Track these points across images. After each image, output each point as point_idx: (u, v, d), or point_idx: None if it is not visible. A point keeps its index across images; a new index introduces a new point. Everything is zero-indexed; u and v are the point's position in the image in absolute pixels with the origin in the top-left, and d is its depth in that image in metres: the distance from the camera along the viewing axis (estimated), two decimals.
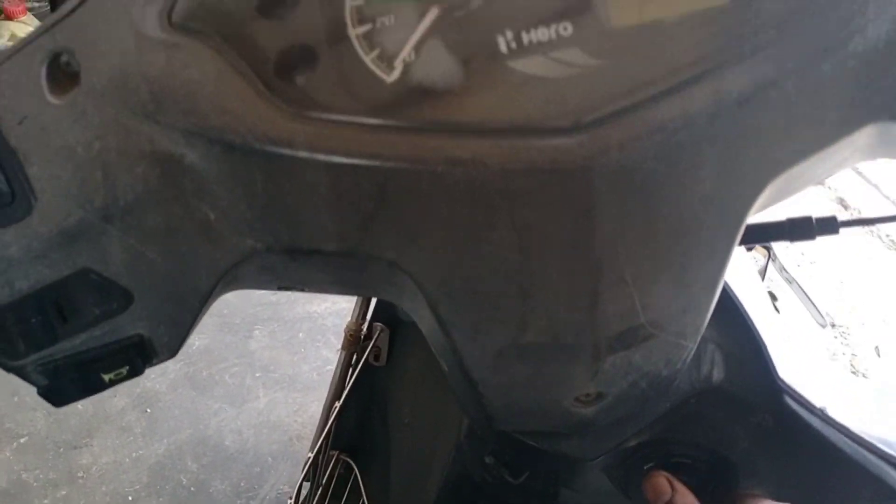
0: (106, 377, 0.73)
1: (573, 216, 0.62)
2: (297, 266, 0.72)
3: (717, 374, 1.08)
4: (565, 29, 0.65)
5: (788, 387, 1.03)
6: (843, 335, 3.75)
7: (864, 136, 0.66)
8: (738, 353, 1.05)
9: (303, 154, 0.61)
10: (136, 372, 0.74)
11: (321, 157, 0.61)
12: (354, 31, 0.66)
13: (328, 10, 0.64)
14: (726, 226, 0.68)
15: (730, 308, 1.03)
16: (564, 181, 0.59)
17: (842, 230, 1.05)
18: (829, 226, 1.03)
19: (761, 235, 1.07)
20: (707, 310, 0.77)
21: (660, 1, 0.66)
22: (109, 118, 0.63)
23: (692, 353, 0.84)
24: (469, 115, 0.61)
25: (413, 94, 0.65)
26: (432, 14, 0.65)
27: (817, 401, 1.04)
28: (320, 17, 0.65)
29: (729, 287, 1.01)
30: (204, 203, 0.66)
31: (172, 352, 0.74)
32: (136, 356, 0.73)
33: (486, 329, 0.73)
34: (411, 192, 0.61)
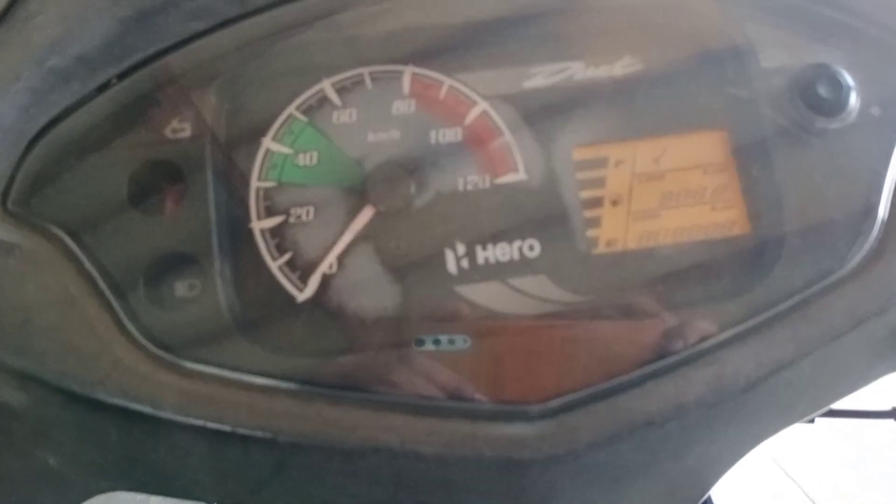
0: None
1: None
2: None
3: None
4: (531, 248, 0.50)
5: None
6: None
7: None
8: None
9: (171, 417, 0.44)
10: None
11: (196, 422, 0.44)
12: (260, 224, 0.49)
13: (228, 193, 0.47)
14: (702, 486, 0.55)
15: None
16: (517, 476, 0.44)
17: None
18: None
19: None
20: None
21: (665, 224, 0.52)
22: None
23: None
24: (399, 383, 0.46)
25: (328, 326, 0.49)
26: (367, 213, 0.49)
27: None
28: (217, 203, 0.47)
29: None
30: (41, 448, 0.48)
31: None
32: None
33: None
34: (318, 471, 0.45)
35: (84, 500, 0.54)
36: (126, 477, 0.51)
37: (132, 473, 0.50)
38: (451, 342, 0.48)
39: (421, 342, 0.48)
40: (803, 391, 0.48)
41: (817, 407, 0.52)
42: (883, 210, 0.49)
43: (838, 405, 0.58)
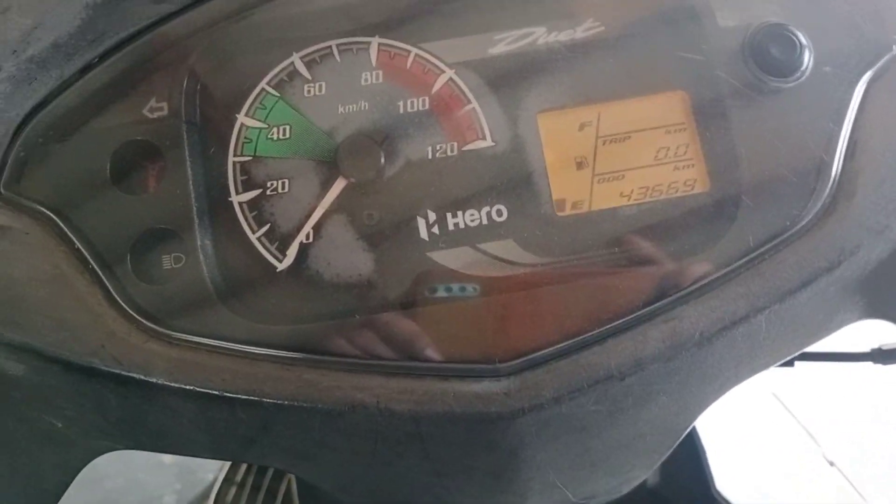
0: None
1: (496, 455, 0.51)
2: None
3: (653, 479, 1.01)
4: (499, 213, 0.53)
5: (724, 499, 0.97)
6: None
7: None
8: (676, 459, 0.98)
9: (163, 382, 0.48)
10: None
11: (185, 387, 0.48)
12: (238, 198, 0.51)
13: (206, 169, 0.50)
14: (673, 432, 0.58)
15: None
16: (486, 429, 0.48)
17: None
18: None
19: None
20: (648, 473, 0.68)
21: (629, 185, 0.54)
22: None
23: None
24: (373, 346, 0.49)
25: (306, 294, 0.52)
26: (339, 184, 0.52)
27: None
28: (195, 179, 0.50)
29: None
30: (45, 413, 0.52)
31: None
32: None
33: None
34: (301, 428, 0.49)
35: (88, 461, 0.57)
36: (125, 437, 0.54)
37: (131, 433, 0.54)
38: (463, 289, 0.51)
39: (434, 290, 0.51)
40: (761, 344, 0.51)
41: (778, 358, 0.54)
42: (835, 168, 0.50)
43: (816, 347, 0.60)
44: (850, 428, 2.56)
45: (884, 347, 0.76)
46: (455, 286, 0.51)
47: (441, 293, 0.51)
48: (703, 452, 0.93)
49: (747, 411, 2.46)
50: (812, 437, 2.55)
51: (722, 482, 0.98)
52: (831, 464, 2.43)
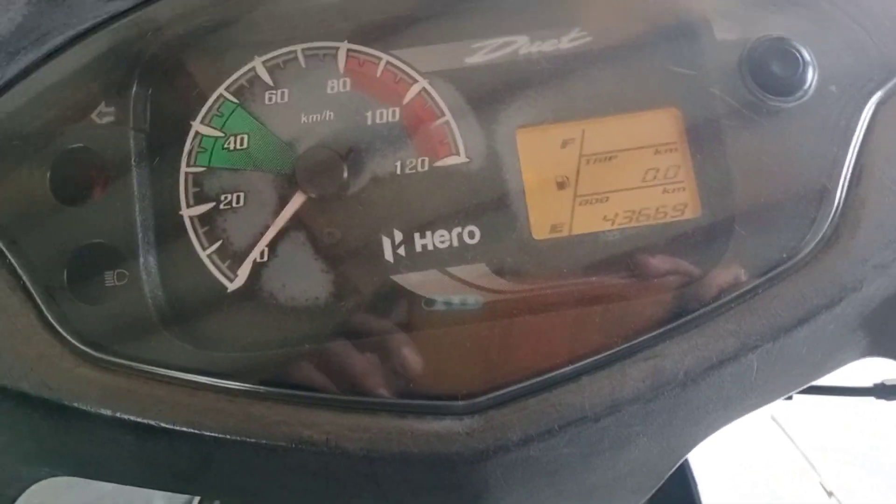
0: None
1: (459, 499, 0.46)
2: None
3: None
4: (471, 235, 0.48)
5: None
6: None
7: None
8: (664, 488, 0.93)
9: (95, 411, 0.43)
10: None
11: (119, 416, 0.43)
12: (189, 212, 0.47)
13: (155, 180, 0.46)
14: (656, 473, 0.53)
15: None
16: (447, 472, 0.43)
17: None
18: None
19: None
20: None
21: (613, 208, 0.49)
22: None
23: None
24: (325, 378, 0.44)
25: (259, 316, 0.47)
26: (298, 199, 0.47)
27: None
28: (141, 191, 0.46)
29: None
30: None
31: None
32: None
33: None
34: (246, 464, 0.45)
35: (24, 488, 0.53)
36: (63, 464, 0.50)
37: (68, 461, 0.50)
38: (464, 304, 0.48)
39: (431, 302, 0.48)
40: (752, 385, 0.46)
41: (771, 398, 0.50)
42: (838, 196, 0.46)
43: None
44: (849, 456, 2.49)
45: (887, 383, 0.71)
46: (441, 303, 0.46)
47: (404, 318, 0.47)
48: (694, 482, 0.88)
49: (744, 434, 2.39)
50: (811, 464, 2.48)
51: None
52: (830, 494, 2.36)
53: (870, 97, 0.48)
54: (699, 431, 0.50)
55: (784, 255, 0.46)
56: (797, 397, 0.69)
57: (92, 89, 0.49)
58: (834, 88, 0.48)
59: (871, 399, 0.77)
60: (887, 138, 0.47)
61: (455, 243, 0.48)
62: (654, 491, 0.55)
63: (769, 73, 0.47)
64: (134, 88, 0.49)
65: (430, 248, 0.48)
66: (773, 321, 0.45)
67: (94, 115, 0.49)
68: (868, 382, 0.75)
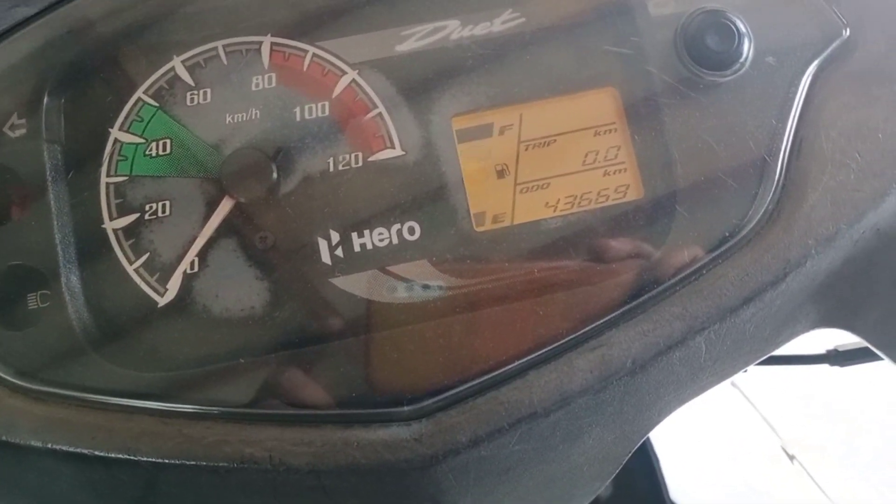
0: None
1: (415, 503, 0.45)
2: None
3: (606, 490, 0.97)
4: (411, 231, 0.47)
5: None
6: None
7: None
8: (628, 469, 0.94)
9: (29, 444, 0.41)
10: None
11: (54, 447, 0.41)
12: (113, 224, 0.45)
13: (73, 193, 0.43)
14: (613, 459, 0.53)
15: None
16: (398, 480, 0.42)
17: None
18: None
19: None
20: (591, 498, 0.63)
21: (555, 194, 0.48)
22: None
23: None
24: (264, 392, 0.43)
25: (192, 331, 0.45)
26: (226, 205, 0.45)
27: None
28: (58, 207, 0.44)
29: None
30: None
31: None
32: None
33: None
34: (189, 487, 0.43)
35: None
36: (7, 497, 0.48)
37: (11, 494, 0.48)
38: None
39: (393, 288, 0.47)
40: (702, 367, 0.46)
41: (722, 378, 0.49)
42: (779, 169, 0.45)
43: None
44: (812, 420, 2.53)
45: (840, 349, 0.71)
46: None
47: (344, 323, 0.45)
48: (657, 462, 0.88)
49: (704, 401, 2.42)
50: (773, 428, 2.52)
51: (678, 479, 0.94)
52: (792, 457, 2.40)
53: (807, 67, 0.47)
54: (653, 416, 0.50)
55: (727, 233, 0.45)
56: (752, 368, 0.68)
57: (3, 102, 0.46)
58: (771, 59, 0.46)
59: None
60: (826, 108, 0.46)
61: (395, 240, 0.47)
62: (612, 476, 0.54)
63: (704, 47, 0.46)
64: (45, 98, 0.46)
65: (369, 247, 0.46)
66: (719, 302, 0.44)
67: (6, 129, 0.46)
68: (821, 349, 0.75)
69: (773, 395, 2.55)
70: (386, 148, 0.47)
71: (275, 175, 0.46)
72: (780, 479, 2.35)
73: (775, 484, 2.33)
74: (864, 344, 0.56)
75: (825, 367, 0.76)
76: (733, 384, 2.63)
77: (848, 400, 2.48)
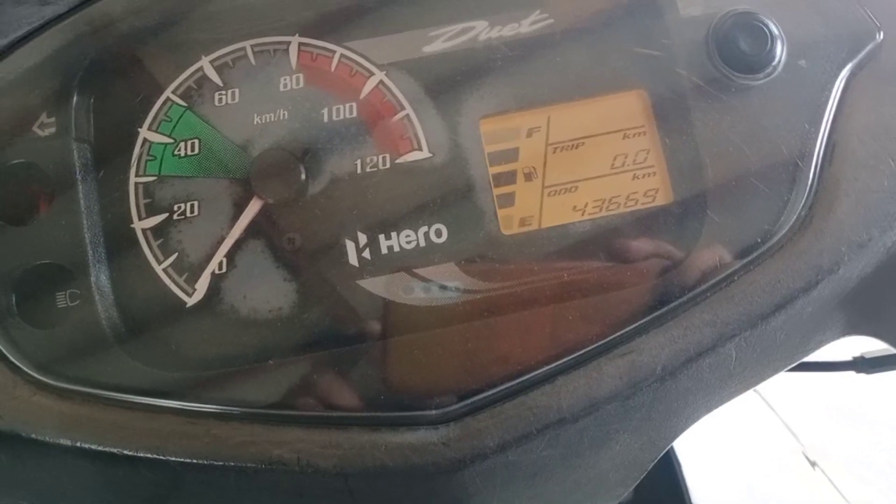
0: None
1: None
2: None
3: (628, 495, 0.96)
4: (438, 233, 0.46)
5: None
6: None
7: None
8: (650, 474, 0.93)
9: (53, 441, 0.42)
10: None
11: (79, 445, 0.41)
12: (142, 224, 0.45)
13: (103, 193, 0.43)
14: (639, 466, 0.52)
15: None
16: (425, 483, 0.42)
17: None
18: None
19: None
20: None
21: (583, 198, 0.48)
22: None
23: None
24: (293, 393, 0.43)
25: (220, 331, 0.45)
26: (254, 206, 0.45)
27: None
28: (88, 205, 0.44)
29: None
30: None
31: None
32: None
33: None
34: (215, 487, 0.43)
35: None
36: (26, 494, 0.48)
37: (30, 491, 0.48)
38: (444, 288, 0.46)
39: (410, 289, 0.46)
40: (731, 374, 0.45)
41: (751, 385, 0.49)
42: (812, 175, 0.44)
43: None
44: (833, 426, 2.50)
45: (866, 356, 0.70)
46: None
47: (373, 325, 0.45)
48: (679, 465, 0.87)
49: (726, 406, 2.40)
50: (794, 434, 2.50)
51: (699, 481, 0.93)
52: (813, 464, 2.38)
53: (840, 70, 0.46)
54: (680, 423, 0.49)
55: (759, 239, 0.45)
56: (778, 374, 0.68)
57: (32, 100, 0.46)
58: (803, 63, 0.46)
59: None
60: (859, 112, 0.46)
61: (422, 243, 0.46)
62: (637, 482, 0.54)
63: (736, 49, 0.45)
64: (75, 97, 0.46)
65: (397, 249, 0.46)
66: (750, 308, 0.43)
67: (35, 128, 0.46)
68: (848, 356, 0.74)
69: (795, 400, 2.53)
70: (413, 150, 0.47)
71: (303, 176, 0.46)
72: (802, 485, 2.33)
73: (796, 489, 2.32)
74: (891, 350, 0.55)
75: (848, 373, 0.75)
76: (755, 389, 2.61)
77: (871, 406, 2.46)
